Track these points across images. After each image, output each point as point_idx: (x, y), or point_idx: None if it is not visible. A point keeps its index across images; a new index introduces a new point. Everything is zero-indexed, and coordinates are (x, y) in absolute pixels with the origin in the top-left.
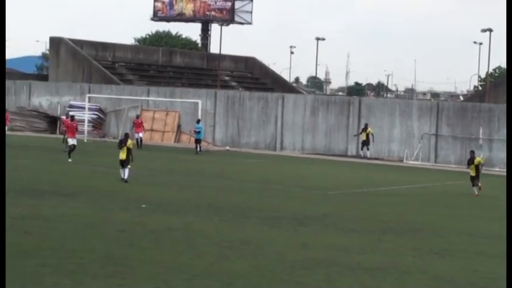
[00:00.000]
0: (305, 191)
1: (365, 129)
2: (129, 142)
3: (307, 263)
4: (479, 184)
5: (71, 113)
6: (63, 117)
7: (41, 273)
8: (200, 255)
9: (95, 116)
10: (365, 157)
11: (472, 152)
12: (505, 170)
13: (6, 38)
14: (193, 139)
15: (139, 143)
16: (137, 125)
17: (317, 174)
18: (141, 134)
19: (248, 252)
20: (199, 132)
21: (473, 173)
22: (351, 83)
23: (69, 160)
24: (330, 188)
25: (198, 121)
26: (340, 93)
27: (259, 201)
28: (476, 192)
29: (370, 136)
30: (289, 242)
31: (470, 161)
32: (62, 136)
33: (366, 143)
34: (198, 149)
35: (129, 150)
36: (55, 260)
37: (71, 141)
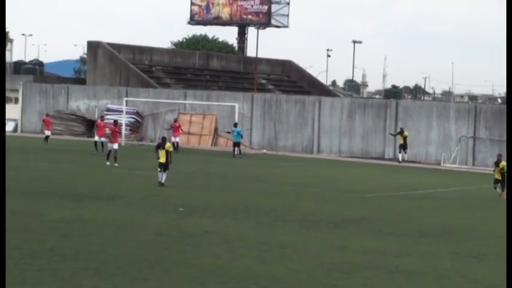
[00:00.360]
0: (342, 194)
1: (401, 132)
2: (168, 145)
3: (345, 266)
4: (501, 191)
5: (103, 117)
6: (99, 120)
7: (80, 276)
8: (237, 258)
9: (132, 120)
10: (403, 160)
11: (500, 155)
12: None
13: (45, 43)
14: (230, 142)
15: (175, 147)
16: (175, 128)
17: (354, 177)
18: (177, 138)
19: (285, 256)
20: (236, 134)
21: (498, 177)
22: (388, 86)
23: (107, 163)
24: (367, 191)
25: (235, 124)
26: (377, 96)
27: (296, 204)
28: (500, 193)
29: (406, 140)
30: (326, 245)
31: (496, 164)
32: (98, 139)
33: (403, 146)
34: (237, 152)
35: (168, 153)
36: (94, 263)
37: (112, 146)
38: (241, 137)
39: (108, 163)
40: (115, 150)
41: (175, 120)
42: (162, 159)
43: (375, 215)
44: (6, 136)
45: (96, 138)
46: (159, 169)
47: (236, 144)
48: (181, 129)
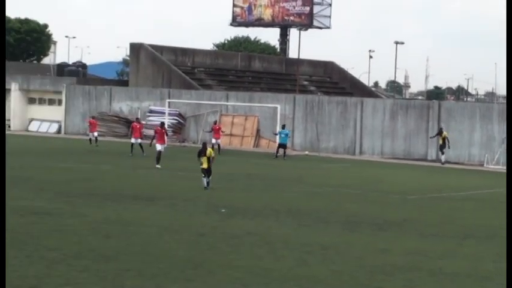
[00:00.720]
0: (384, 196)
1: (440, 133)
2: (209, 151)
3: (387, 268)
4: None
5: (138, 118)
6: (134, 122)
7: (123, 277)
8: (279, 260)
9: (174, 121)
10: (446, 161)
11: None
12: None
13: (88, 45)
14: (272, 144)
15: (218, 149)
16: (215, 130)
17: (396, 178)
18: (219, 140)
19: (327, 257)
20: (284, 136)
21: None
22: (430, 87)
23: (157, 166)
24: (409, 192)
25: (283, 126)
26: (419, 98)
27: (338, 205)
28: None
29: (446, 141)
30: (368, 247)
31: None
32: (135, 141)
33: (442, 147)
34: (280, 154)
35: (209, 159)
36: (136, 264)
37: (159, 147)
38: (288, 139)
39: (158, 166)
40: (159, 151)
41: (216, 122)
42: (205, 165)
43: (417, 217)
44: (48, 137)
45: (133, 140)
46: (203, 175)
47: (282, 146)
48: (222, 131)
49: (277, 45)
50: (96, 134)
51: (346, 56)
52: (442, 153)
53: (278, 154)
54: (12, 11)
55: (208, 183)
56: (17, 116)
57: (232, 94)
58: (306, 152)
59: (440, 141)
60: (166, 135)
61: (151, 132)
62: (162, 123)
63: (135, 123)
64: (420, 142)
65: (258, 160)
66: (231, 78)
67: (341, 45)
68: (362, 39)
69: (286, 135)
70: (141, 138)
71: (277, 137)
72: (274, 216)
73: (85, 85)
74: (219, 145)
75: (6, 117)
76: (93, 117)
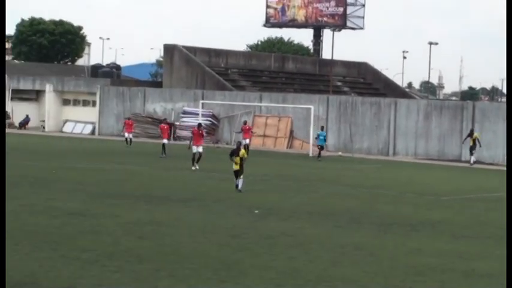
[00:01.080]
0: (418, 197)
1: (471, 134)
2: (242, 152)
3: (421, 269)
4: None
5: (166, 119)
6: (162, 123)
7: (156, 278)
8: (313, 261)
9: (208, 122)
10: (476, 161)
11: None
12: None
13: (122, 46)
14: (306, 145)
15: (246, 149)
16: (245, 131)
17: (430, 179)
18: (247, 140)
19: (361, 258)
20: (322, 138)
21: None
22: (465, 87)
23: (193, 168)
24: (442, 193)
25: (322, 128)
26: (453, 98)
27: (371, 206)
28: None
29: (477, 141)
30: (402, 248)
31: None
32: (167, 142)
33: (472, 148)
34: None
35: (241, 160)
36: (169, 265)
37: (195, 149)
38: (325, 141)
39: (194, 167)
40: (198, 153)
41: (245, 123)
42: (236, 167)
43: (450, 218)
44: (82, 138)
45: (165, 141)
46: (235, 176)
47: (320, 148)
48: (252, 132)
49: (311, 46)
50: (130, 135)
51: (379, 56)
52: (471, 154)
53: (319, 157)
54: (47, 13)
55: (237, 185)
56: (52, 118)
57: (265, 95)
58: (340, 153)
59: (471, 143)
60: (203, 136)
61: (185, 133)
62: (200, 124)
63: (162, 125)
64: (454, 143)
65: (291, 161)
66: (265, 79)
67: (375, 46)
68: (396, 39)
69: (325, 137)
70: (168, 140)
71: (315, 139)
72: (307, 217)
73: (119, 86)
74: (247, 145)
75: (41, 119)
76: (128, 118)
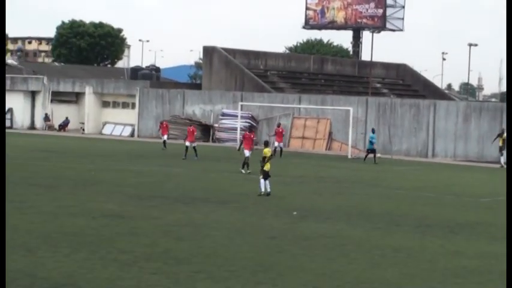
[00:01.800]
0: (457, 199)
1: (501, 134)
2: (266, 150)
3: (460, 271)
4: None
5: (191, 119)
6: (189, 126)
7: (194, 280)
8: (351, 263)
9: (247, 124)
10: (505, 163)
11: None
12: None
13: (161, 49)
14: (344, 146)
15: (279, 153)
16: (278, 134)
17: (469, 181)
18: (281, 144)
19: (399, 260)
20: (372, 142)
21: None
22: (504, 89)
23: (243, 171)
24: (482, 195)
25: (373, 130)
26: (493, 100)
27: (410, 208)
28: None
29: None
30: (440, 250)
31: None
32: (189, 144)
33: (502, 148)
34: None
35: (264, 158)
36: (207, 267)
37: (248, 153)
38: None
39: (244, 171)
40: (247, 157)
41: (279, 125)
42: (266, 167)
43: (490, 220)
44: (122, 140)
45: (187, 143)
46: (261, 176)
47: (372, 151)
48: (283, 135)
49: (350, 48)
50: (165, 137)
51: (419, 58)
52: (502, 155)
53: (376, 160)
54: (87, 15)
55: (269, 187)
56: (91, 120)
57: (304, 97)
58: (379, 155)
59: (500, 143)
60: (252, 141)
61: (224, 135)
62: (251, 127)
63: (188, 127)
64: (494, 145)
65: (330, 163)
66: (304, 81)
67: (414, 48)
68: (435, 41)
69: (373, 139)
70: (192, 142)
71: (368, 142)
72: (345, 218)
73: (158, 88)
74: (281, 148)
75: (80, 121)
76: (164, 120)
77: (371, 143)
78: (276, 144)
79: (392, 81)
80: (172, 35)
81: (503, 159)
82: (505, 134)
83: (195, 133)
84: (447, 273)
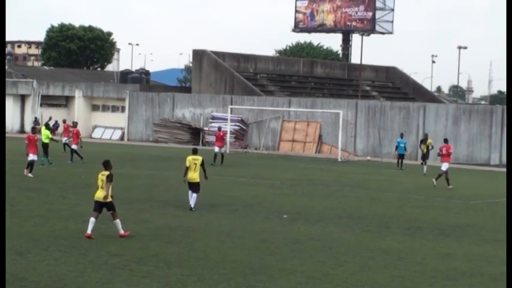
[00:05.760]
0: (446, 201)
1: (424, 140)
2: (189, 157)
3: (450, 273)
4: None
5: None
6: (218, 131)
7: (185, 283)
8: (341, 265)
9: (236, 127)
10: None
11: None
12: None
13: (151, 52)
14: (334, 149)
15: (221, 158)
16: (218, 138)
17: (459, 183)
18: (222, 149)
19: (389, 263)
20: (403, 146)
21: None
22: (494, 91)
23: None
24: (472, 197)
25: (402, 135)
26: (482, 102)
27: (400, 211)
28: None
29: None
30: (431, 252)
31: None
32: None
33: (426, 157)
34: (399, 165)
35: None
36: (198, 270)
37: (216, 149)
38: (405, 149)
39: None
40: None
41: (220, 129)
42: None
43: (480, 222)
44: (111, 144)
45: (216, 149)
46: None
47: (401, 157)
48: (224, 139)
49: (340, 51)
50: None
51: (408, 61)
52: (424, 164)
53: (402, 167)
54: (77, 19)
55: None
56: (81, 123)
57: (294, 100)
58: (368, 158)
59: (424, 150)
60: (223, 139)
61: (213, 139)
62: (237, 129)
63: (218, 132)
64: (483, 147)
65: (319, 166)
66: (293, 84)
67: (403, 50)
68: (424, 44)
69: (405, 144)
70: (221, 147)
71: (395, 148)
72: (336, 221)
73: (148, 92)
74: (222, 154)
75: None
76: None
77: (402, 148)
78: (217, 149)
79: (382, 84)
80: (162, 39)
81: (425, 169)
82: (429, 140)
83: (224, 137)
84: (437, 276)
